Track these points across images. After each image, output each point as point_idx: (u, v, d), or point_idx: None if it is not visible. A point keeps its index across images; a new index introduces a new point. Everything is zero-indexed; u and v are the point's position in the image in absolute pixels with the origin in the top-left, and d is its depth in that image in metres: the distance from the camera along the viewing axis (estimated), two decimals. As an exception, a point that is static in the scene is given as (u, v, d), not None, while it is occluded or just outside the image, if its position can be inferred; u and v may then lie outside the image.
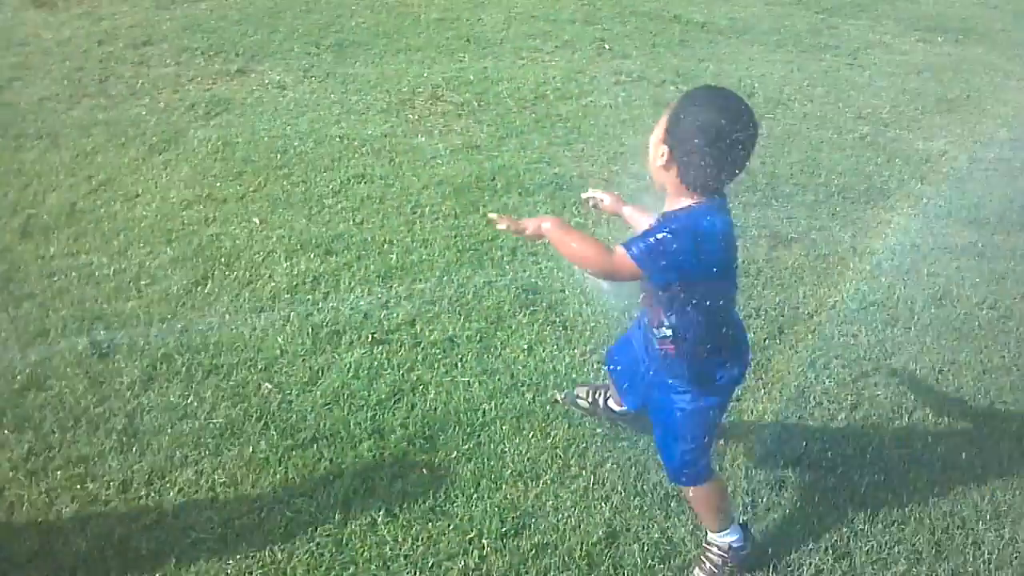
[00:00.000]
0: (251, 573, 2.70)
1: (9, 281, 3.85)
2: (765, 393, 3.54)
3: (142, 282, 3.91)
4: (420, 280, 4.12)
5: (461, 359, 3.62)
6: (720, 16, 8.46)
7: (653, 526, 2.93)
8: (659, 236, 2.33)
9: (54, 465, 3.01)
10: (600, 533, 2.88)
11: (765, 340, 3.83)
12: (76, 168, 4.78)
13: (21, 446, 3.06)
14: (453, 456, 3.16)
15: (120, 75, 5.95)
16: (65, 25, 6.70)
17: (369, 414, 3.32)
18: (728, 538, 2.80)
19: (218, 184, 4.73)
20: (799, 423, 3.43)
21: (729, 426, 3.29)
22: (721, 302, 2.55)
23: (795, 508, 3.05)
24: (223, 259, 4.11)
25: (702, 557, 2.83)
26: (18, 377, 3.34)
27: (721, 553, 2.81)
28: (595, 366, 3.59)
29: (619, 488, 3.05)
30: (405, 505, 2.94)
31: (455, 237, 4.42)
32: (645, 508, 2.99)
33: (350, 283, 4.05)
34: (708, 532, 2.83)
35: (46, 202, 4.45)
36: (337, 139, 5.33)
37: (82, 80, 5.84)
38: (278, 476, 3.03)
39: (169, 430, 3.17)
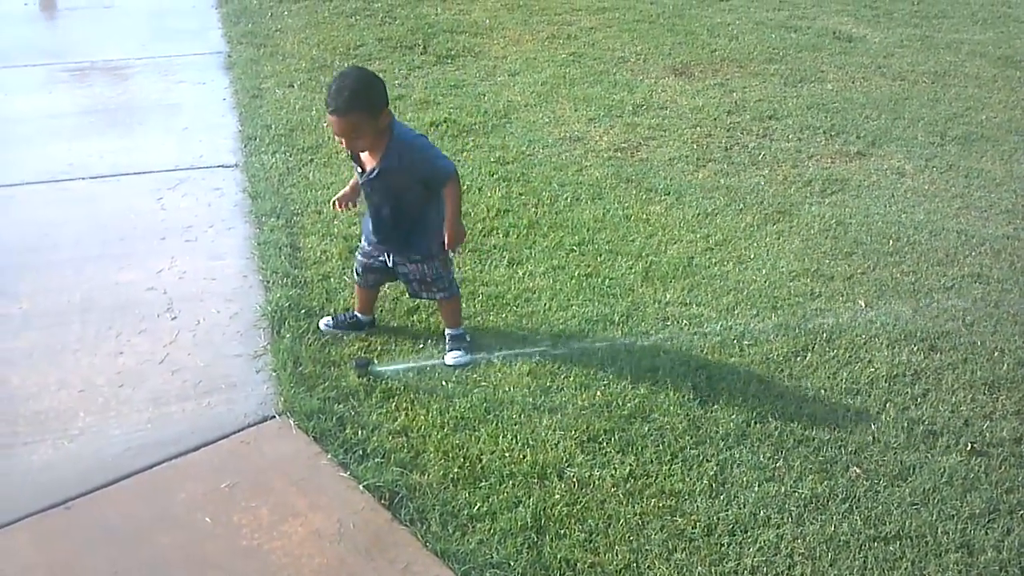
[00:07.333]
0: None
1: (629, 318, 4.27)
2: None
3: (745, 341, 4.10)
4: (1032, 398, 3.81)
5: (1073, 495, 3.29)
6: None
7: None
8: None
9: (649, 492, 3.27)
10: None
11: None
12: (696, 226, 5.15)
13: (624, 467, 3.37)
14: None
15: (744, 145, 6.29)
16: (700, 94, 7.24)
17: (959, 526, 3.15)
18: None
19: (827, 261, 4.80)
20: None
21: None
22: None
23: None
24: (824, 335, 4.15)
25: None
26: (628, 404, 3.69)
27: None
28: None
29: None
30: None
31: (1080, 360, 4.01)
32: None
33: (952, 385, 3.87)
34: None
35: (667, 252, 4.85)
36: (954, 234, 5.11)
37: (709, 146, 6.27)
38: (856, 563, 2.99)
39: (756, 488, 3.28)
